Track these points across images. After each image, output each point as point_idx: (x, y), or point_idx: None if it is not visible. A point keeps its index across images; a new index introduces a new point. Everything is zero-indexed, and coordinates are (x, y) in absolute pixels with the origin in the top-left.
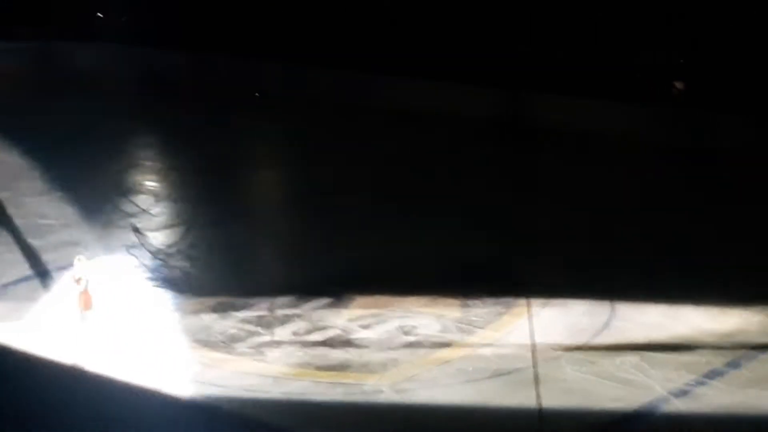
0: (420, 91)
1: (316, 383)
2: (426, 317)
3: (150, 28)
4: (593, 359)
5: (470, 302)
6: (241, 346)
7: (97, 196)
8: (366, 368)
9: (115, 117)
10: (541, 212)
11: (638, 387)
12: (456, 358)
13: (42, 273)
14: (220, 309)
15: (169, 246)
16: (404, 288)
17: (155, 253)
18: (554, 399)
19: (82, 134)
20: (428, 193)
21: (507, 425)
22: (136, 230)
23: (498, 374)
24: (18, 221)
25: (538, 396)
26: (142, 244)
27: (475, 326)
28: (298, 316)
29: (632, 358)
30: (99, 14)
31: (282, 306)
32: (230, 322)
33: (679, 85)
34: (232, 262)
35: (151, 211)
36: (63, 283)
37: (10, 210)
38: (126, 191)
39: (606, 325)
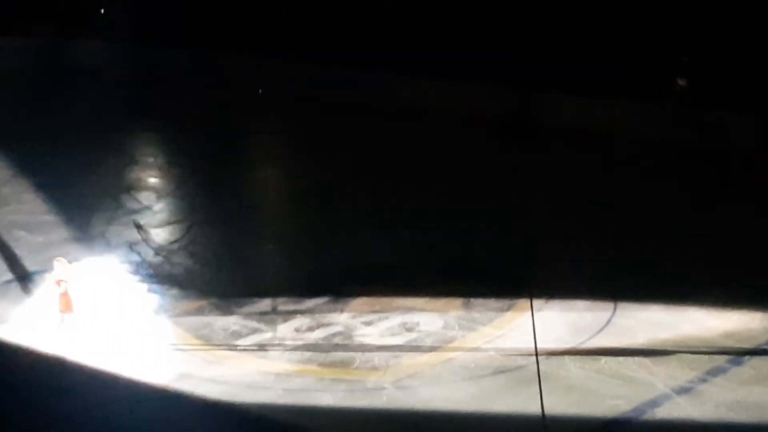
0: (424, 89)
1: (318, 380)
2: (428, 314)
3: (152, 24)
4: (596, 356)
5: (473, 300)
6: (243, 343)
7: (98, 192)
8: (368, 365)
9: (116, 114)
10: (545, 211)
11: (641, 384)
12: (458, 355)
13: (22, 276)
14: (222, 306)
15: (171, 242)
16: (406, 285)
17: (157, 250)
18: (557, 396)
19: (84, 131)
20: (431, 190)
21: (509, 423)
22: (138, 227)
23: (500, 371)
24: (19, 217)
25: (540, 393)
26: (144, 241)
27: (477, 323)
28: (301, 312)
29: (636, 353)
30: (101, 11)
31: (284, 303)
32: (232, 319)
33: (682, 82)
34: (234, 258)
35: (153, 208)
36: (43, 286)
37: (11, 206)
38: (128, 187)
39: (608, 322)
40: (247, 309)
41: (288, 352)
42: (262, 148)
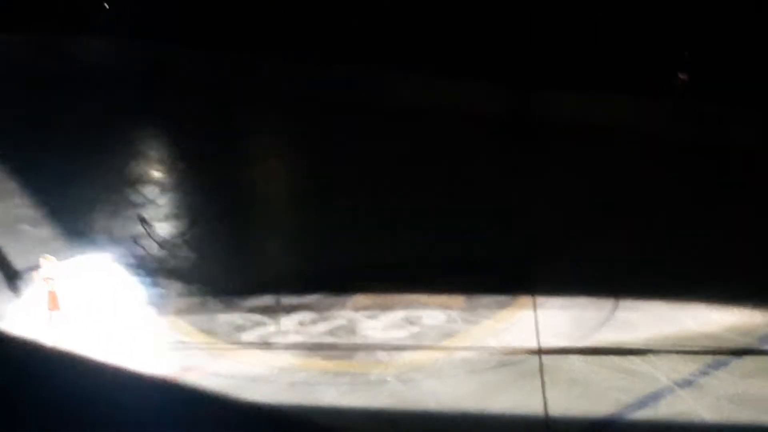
0: (423, 88)
1: (321, 374)
2: (431, 309)
3: (154, 22)
4: (598, 348)
5: (475, 295)
6: (247, 337)
7: (102, 187)
8: (371, 359)
9: (120, 109)
10: (546, 208)
11: (643, 378)
12: (461, 349)
13: (11, 274)
14: (226, 300)
15: (175, 237)
16: (409, 281)
17: (161, 244)
18: (559, 390)
19: (88, 126)
20: (432, 189)
21: (512, 416)
22: (143, 221)
23: (503, 365)
24: (24, 211)
25: (542, 386)
26: (148, 235)
27: (479, 318)
28: (304, 307)
29: (637, 346)
30: (105, 7)
31: (288, 297)
32: (236, 313)
33: (683, 76)
34: (238, 252)
35: (157, 202)
36: (31, 284)
37: (15, 200)
38: (132, 182)
39: (610, 317)
40: (250, 303)
41: (292, 345)
42: (265, 144)
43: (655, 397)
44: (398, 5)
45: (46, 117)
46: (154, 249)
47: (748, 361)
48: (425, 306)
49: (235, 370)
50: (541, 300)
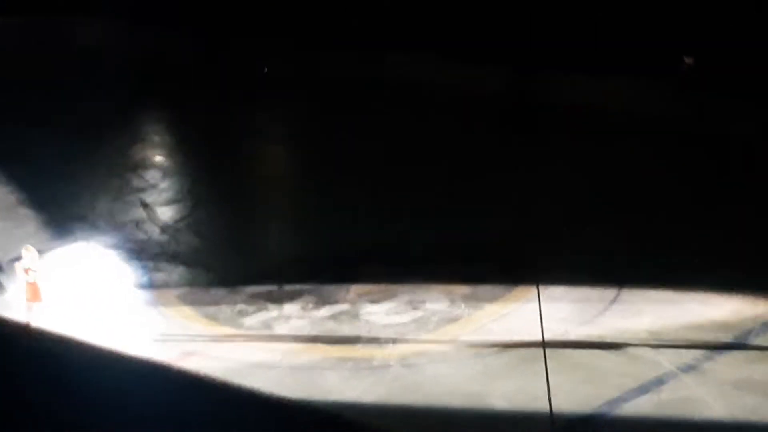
0: (430, 70)
1: (324, 358)
2: (434, 293)
3: (157, 6)
4: (601, 334)
5: (478, 279)
6: (249, 322)
7: (104, 171)
8: (374, 343)
9: (122, 93)
10: (550, 194)
11: (646, 363)
12: (464, 334)
13: None
14: (229, 284)
15: (177, 221)
16: (412, 265)
17: (163, 228)
18: (562, 374)
19: (90, 110)
20: (438, 172)
21: (515, 400)
22: (145, 205)
23: (506, 350)
24: (25, 196)
25: (546, 370)
26: (151, 219)
27: (483, 302)
28: (307, 291)
29: (640, 333)
30: None
31: (290, 282)
32: (239, 297)
33: (688, 60)
34: (240, 237)
35: (159, 186)
36: (11, 275)
37: (17, 185)
38: (134, 166)
39: (614, 301)
40: (253, 288)
41: (294, 329)
42: (267, 128)
43: (658, 382)
44: None
45: (46, 102)
46: (156, 233)
47: (753, 346)
48: (428, 290)
49: (238, 355)
50: (544, 286)
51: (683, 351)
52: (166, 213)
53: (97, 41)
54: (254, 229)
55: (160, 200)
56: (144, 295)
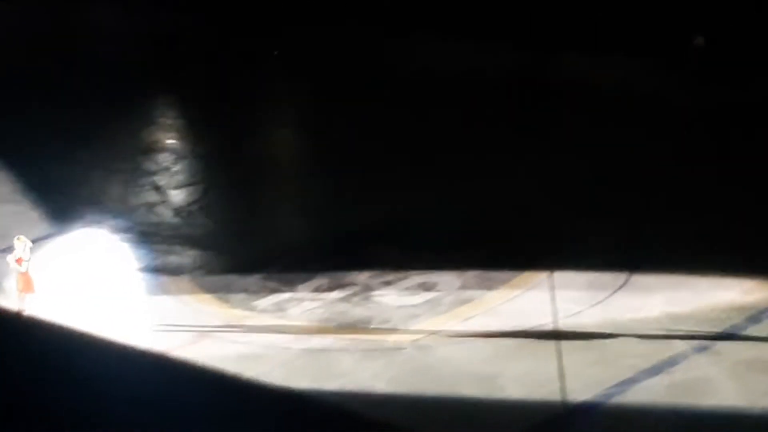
0: (442, 50)
1: (337, 340)
2: (446, 274)
3: None
4: (613, 315)
5: (490, 261)
6: (262, 303)
7: (116, 154)
8: (387, 325)
9: (133, 76)
10: (562, 176)
11: (659, 343)
12: (477, 314)
13: None
14: (241, 266)
15: (190, 204)
16: (425, 246)
17: (176, 211)
18: (575, 355)
19: (101, 93)
20: (450, 153)
21: (528, 381)
22: (157, 188)
23: (518, 330)
24: (37, 179)
25: (558, 351)
26: (163, 202)
27: (495, 283)
28: (319, 273)
29: (653, 312)
30: None
31: (303, 263)
32: (251, 280)
33: (699, 40)
34: (253, 220)
35: (171, 169)
36: (4, 265)
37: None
38: (146, 149)
39: (626, 282)
40: (265, 271)
41: (307, 312)
42: (280, 110)
43: (670, 363)
44: None
45: (57, 85)
46: (169, 217)
47: (765, 326)
48: (441, 271)
49: (250, 337)
50: (555, 269)
51: (696, 330)
52: (178, 196)
53: (109, 25)
54: (266, 212)
55: (172, 183)
56: (156, 278)
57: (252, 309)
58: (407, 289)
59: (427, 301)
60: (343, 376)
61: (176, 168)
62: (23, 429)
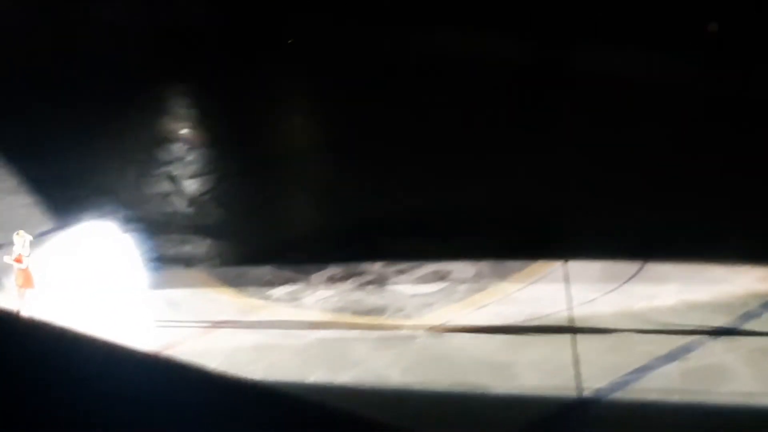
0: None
1: (351, 329)
2: (460, 263)
3: None
4: (628, 302)
5: (505, 249)
6: (277, 292)
7: (131, 145)
8: (401, 313)
9: (147, 67)
10: (575, 163)
11: (674, 329)
12: (491, 303)
13: None
14: (256, 256)
15: (204, 193)
16: (439, 235)
17: (190, 201)
18: (590, 342)
19: (116, 84)
20: (464, 142)
21: (542, 368)
22: (171, 178)
23: (533, 318)
24: (51, 171)
25: (573, 339)
26: (177, 192)
27: (509, 271)
28: (334, 262)
29: (668, 300)
30: None
31: (317, 252)
32: (266, 269)
33: (712, 27)
34: (267, 209)
35: (186, 159)
36: (2, 261)
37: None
38: (159, 139)
39: (641, 269)
40: (280, 259)
41: (321, 301)
42: (293, 99)
43: (686, 349)
44: None
45: (71, 77)
46: (183, 206)
47: None
48: (454, 262)
49: (265, 326)
50: (570, 256)
51: (711, 317)
52: (192, 186)
53: (121, 14)
54: (280, 200)
55: (186, 173)
56: (170, 268)
57: (266, 298)
58: (421, 277)
59: (441, 290)
60: (358, 365)
61: (190, 158)
62: (23, 429)
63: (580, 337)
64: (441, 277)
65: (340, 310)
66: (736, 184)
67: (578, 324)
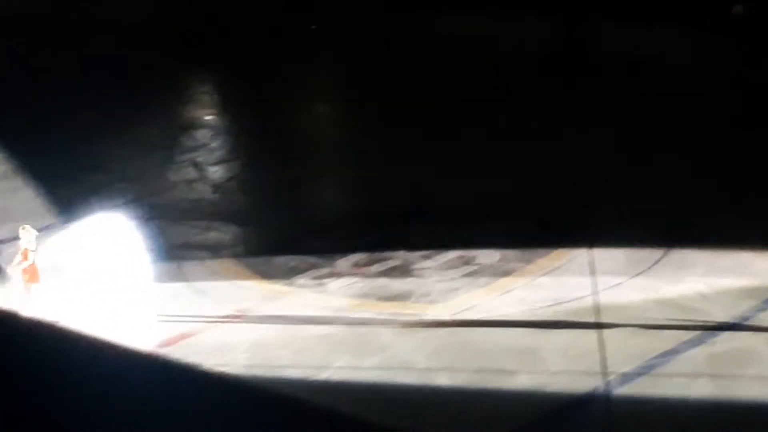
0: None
1: (376, 314)
2: (486, 248)
3: None
4: (654, 286)
5: (530, 233)
6: (301, 279)
7: (154, 132)
8: (427, 298)
9: (171, 53)
10: (601, 149)
11: (700, 314)
12: (516, 287)
13: None
14: (281, 242)
15: (229, 180)
16: (464, 219)
17: (215, 187)
18: (615, 327)
19: (140, 71)
20: (488, 127)
21: (567, 353)
22: (196, 165)
23: (558, 302)
24: (78, 159)
25: (598, 324)
26: (202, 179)
27: (534, 256)
28: (358, 247)
29: (694, 284)
30: None
31: (342, 238)
32: (290, 255)
33: (737, 9)
34: (291, 195)
35: (210, 146)
36: (8, 256)
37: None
38: (183, 126)
39: (667, 253)
40: (305, 245)
41: (346, 287)
42: (317, 85)
43: (712, 333)
44: None
45: (95, 64)
46: (208, 193)
47: None
48: (480, 246)
49: (290, 312)
50: (595, 240)
51: (737, 301)
52: (217, 172)
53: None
54: (305, 186)
55: (210, 160)
56: (195, 255)
57: (292, 284)
58: (446, 262)
59: (467, 275)
60: (383, 351)
61: (214, 144)
62: (23, 429)
63: (606, 320)
64: (466, 262)
65: (365, 295)
66: (765, 170)
67: (603, 309)
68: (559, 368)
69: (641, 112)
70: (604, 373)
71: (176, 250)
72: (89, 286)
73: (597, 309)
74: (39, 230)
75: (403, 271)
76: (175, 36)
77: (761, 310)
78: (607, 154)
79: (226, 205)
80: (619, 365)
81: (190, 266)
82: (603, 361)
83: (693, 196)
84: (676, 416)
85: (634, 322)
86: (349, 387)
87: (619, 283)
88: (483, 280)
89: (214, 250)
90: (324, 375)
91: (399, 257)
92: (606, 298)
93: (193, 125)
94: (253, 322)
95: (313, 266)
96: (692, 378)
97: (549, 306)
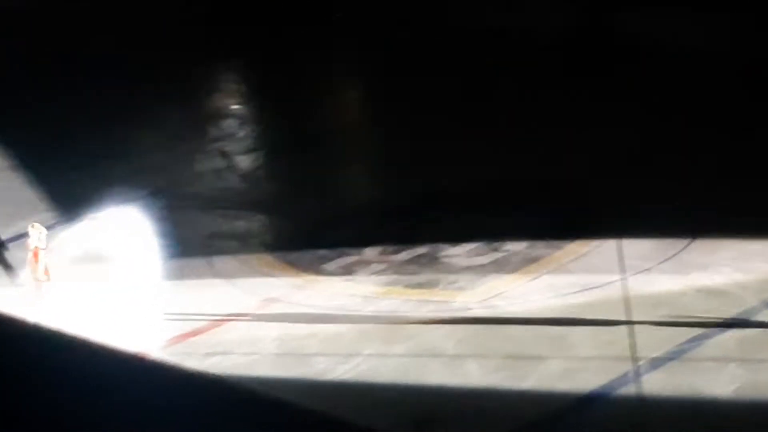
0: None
1: (404, 301)
2: (513, 234)
3: None
4: (684, 271)
5: (557, 219)
6: (330, 266)
7: (182, 122)
8: (454, 285)
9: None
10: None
11: (730, 298)
12: (544, 273)
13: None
14: (309, 230)
15: (257, 169)
16: (490, 207)
17: (243, 176)
18: (644, 312)
19: (166, 62)
20: (513, 113)
21: (597, 338)
22: (223, 154)
23: (587, 288)
24: (105, 149)
25: (627, 309)
26: (230, 168)
27: (562, 242)
28: (386, 235)
29: (722, 269)
30: None
31: (369, 226)
32: (319, 243)
33: None
34: (319, 183)
35: (237, 135)
36: (18, 252)
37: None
38: (211, 115)
39: (695, 238)
40: (332, 233)
41: (374, 274)
42: (344, 73)
43: (743, 317)
44: None
45: (120, 54)
46: (236, 182)
47: None
48: (507, 233)
49: (319, 300)
50: (623, 222)
51: (767, 286)
52: (244, 161)
53: None
54: (332, 175)
55: (238, 149)
56: (224, 243)
57: (320, 272)
58: (474, 249)
59: (494, 261)
60: (412, 338)
61: (242, 133)
62: (23, 429)
63: (635, 305)
64: (494, 249)
65: (394, 283)
66: None
67: (634, 293)
68: (589, 354)
69: (665, 101)
70: (634, 358)
71: (204, 240)
72: (106, 282)
73: (626, 295)
74: (53, 225)
75: (430, 258)
76: (202, 25)
77: None
78: (631, 143)
79: (254, 194)
80: (649, 350)
81: (219, 256)
82: (633, 345)
83: (720, 183)
84: (706, 400)
85: (663, 307)
86: (358, 386)
87: (648, 269)
88: (511, 266)
89: (242, 240)
90: (353, 363)
91: (426, 245)
92: (635, 283)
93: (220, 114)
94: (281, 311)
95: (341, 255)
96: (722, 362)
97: (577, 292)
